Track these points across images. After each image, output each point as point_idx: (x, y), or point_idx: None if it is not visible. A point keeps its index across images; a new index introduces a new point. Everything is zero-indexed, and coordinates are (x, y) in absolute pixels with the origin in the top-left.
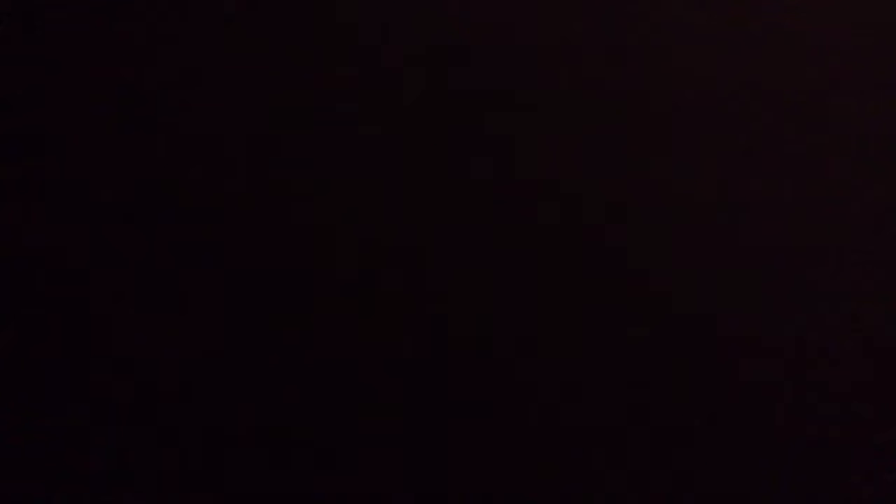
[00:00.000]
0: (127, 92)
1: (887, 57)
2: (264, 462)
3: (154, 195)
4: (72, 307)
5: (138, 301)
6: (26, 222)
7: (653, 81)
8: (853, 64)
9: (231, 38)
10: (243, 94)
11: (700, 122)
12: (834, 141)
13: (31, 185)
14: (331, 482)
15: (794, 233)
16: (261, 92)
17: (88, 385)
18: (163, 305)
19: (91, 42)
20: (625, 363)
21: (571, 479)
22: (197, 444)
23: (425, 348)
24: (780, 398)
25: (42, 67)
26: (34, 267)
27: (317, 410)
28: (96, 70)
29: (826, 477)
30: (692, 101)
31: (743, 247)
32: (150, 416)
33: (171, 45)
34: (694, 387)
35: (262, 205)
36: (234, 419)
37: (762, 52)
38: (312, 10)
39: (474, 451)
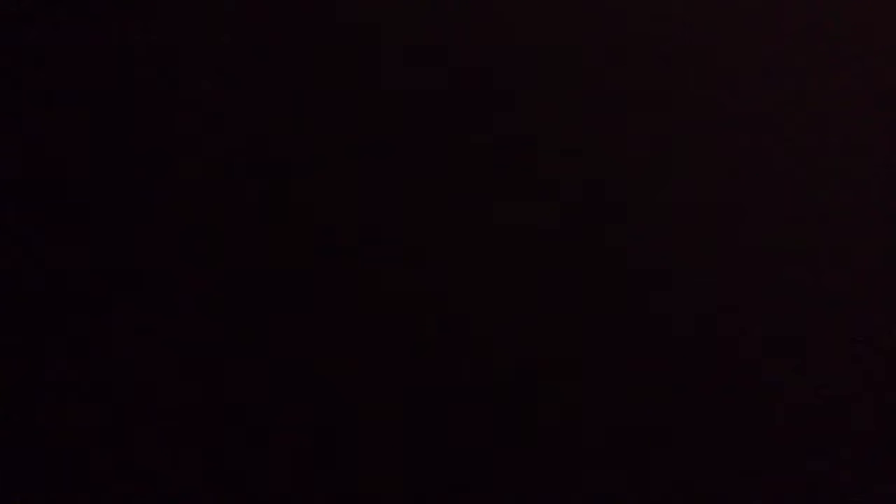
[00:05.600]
0: (127, 91)
1: (887, 57)
2: (263, 462)
3: (153, 195)
4: (71, 307)
5: (138, 301)
6: (26, 222)
7: (653, 81)
8: (853, 63)
9: (231, 38)
10: (243, 94)
11: (700, 121)
12: (833, 140)
13: (32, 185)
14: (330, 482)
15: (794, 233)
16: (260, 91)
17: (88, 385)
18: (162, 305)
19: (91, 42)
20: (624, 363)
21: (570, 479)
22: (196, 445)
23: (425, 349)
24: (780, 399)
25: (41, 67)
26: (34, 267)
27: (316, 410)
28: (96, 70)
29: (825, 477)
30: (692, 101)
31: (743, 247)
32: (149, 416)
33: (172, 44)
34: (693, 387)
35: (261, 204)
36: (233, 419)
37: (762, 52)
38: (312, 10)
39: (474, 451)
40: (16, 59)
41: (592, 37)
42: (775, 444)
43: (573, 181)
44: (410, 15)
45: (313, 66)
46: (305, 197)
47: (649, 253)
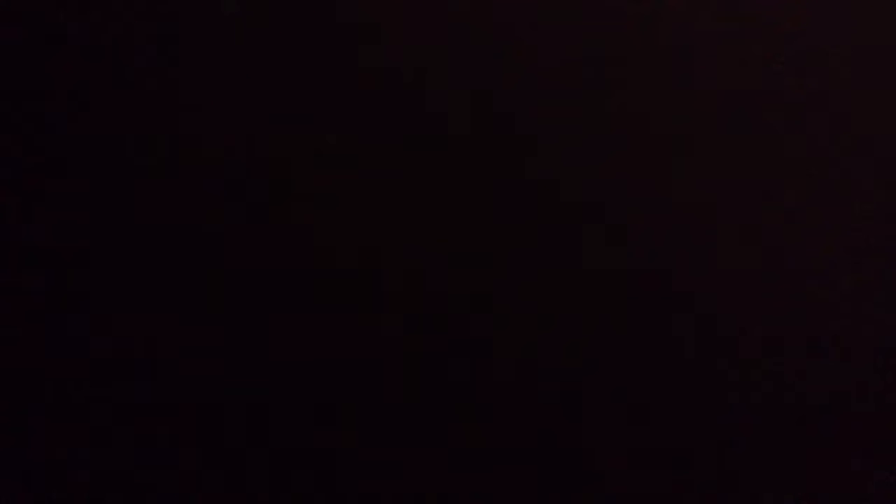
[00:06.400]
0: (128, 91)
1: (887, 57)
2: (264, 462)
3: (154, 196)
4: (71, 307)
5: (138, 302)
6: (27, 224)
7: (653, 82)
8: (853, 64)
9: (230, 38)
10: (243, 95)
11: (700, 122)
12: (833, 141)
13: (32, 187)
14: (331, 482)
15: (794, 233)
16: (260, 92)
17: (88, 385)
18: (162, 306)
19: (91, 42)
20: (624, 363)
21: (570, 479)
22: (196, 445)
23: (424, 349)
24: (780, 399)
25: (42, 67)
26: (34, 266)
27: (316, 410)
28: (97, 69)
29: (826, 478)
30: (692, 102)
31: (743, 247)
32: (148, 416)
33: (173, 44)
34: (693, 388)
35: (261, 205)
36: (232, 419)
37: (762, 52)
38: (312, 10)
39: (474, 451)
40: (16, 58)
41: (592, 37)
42: (775, 444)
43: (573, 181)
44: (410, 15)
45: (313, 66)
46: (305, 197)
47: (649, 253)
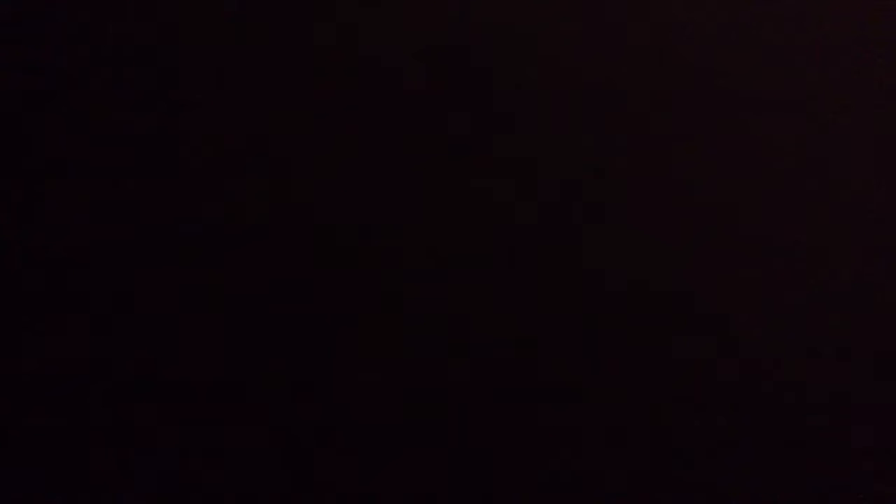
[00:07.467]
0: (128, 91)
1: (887, 57)
2: (264, 462)
3: (154, 195)
4: (72, 308)
5: (139, 302)
6: (28, 224)
7: (653, 81)
8: (853, 64)
9: (229, 37)
10: (242, 95)
11: (700, 121)
12: (834, 141)
13: (33, 189)
14: (331, 482)
15: (794, 233)
16: (259, 91)
17: (89, 385)
18: (162, 306)
19: (92, 41)
20: (623, 364)
21: (570, 480)
22: (194, 445)
23: (423, 349)
24: (780, 399)
25: (42, 68)
26: (34, 266)
27: (315, 410)
28: (97, 69)
29: (826, 477)
30: (692, 101)
31: (743, 247)
32: (148, 415)
33: (172, 44)
34: (693, 388)
35: (261, 205)
36: (232, 419)
37: (762, 52)
38: (312, 9)
39: (473, 452)
40: (15, 57)
41: (592, 36)
42: (774, 445)
43: (572, 180)
44: (409, 13)
45: (313, 65)
46: (305, 196)
47: (649, 253)
